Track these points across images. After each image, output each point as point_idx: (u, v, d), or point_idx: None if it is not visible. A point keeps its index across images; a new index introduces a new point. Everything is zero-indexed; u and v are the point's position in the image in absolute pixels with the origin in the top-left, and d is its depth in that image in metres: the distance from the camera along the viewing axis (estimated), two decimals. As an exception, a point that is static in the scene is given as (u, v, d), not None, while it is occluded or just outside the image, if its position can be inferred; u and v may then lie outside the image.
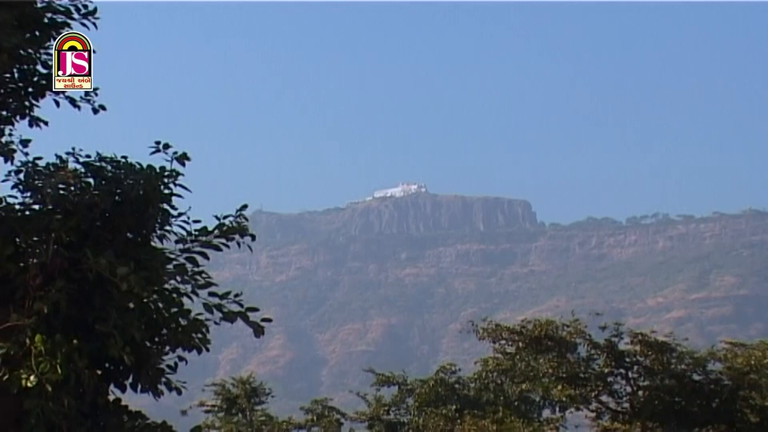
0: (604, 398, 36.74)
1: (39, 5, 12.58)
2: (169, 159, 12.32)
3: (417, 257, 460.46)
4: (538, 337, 35.65)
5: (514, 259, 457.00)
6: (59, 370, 11.01)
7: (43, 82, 12.79)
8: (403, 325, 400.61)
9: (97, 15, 12.68)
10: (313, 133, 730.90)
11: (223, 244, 12.39)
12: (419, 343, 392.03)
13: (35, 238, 11.74)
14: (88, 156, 12.32)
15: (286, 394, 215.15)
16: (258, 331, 12.19)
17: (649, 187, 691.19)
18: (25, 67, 12.73)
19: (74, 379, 11.15)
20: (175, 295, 12.16)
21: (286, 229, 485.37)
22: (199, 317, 12.13)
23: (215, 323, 12.16)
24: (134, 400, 12.14)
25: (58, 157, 12.34)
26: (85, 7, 12.71)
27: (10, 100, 12.74)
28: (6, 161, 12.46)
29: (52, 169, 12.20)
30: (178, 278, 12.14)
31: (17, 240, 11.77)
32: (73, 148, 12.36)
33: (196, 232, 12.36)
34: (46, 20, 12.63)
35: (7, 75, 12.61)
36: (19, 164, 12.34)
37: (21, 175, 12.24)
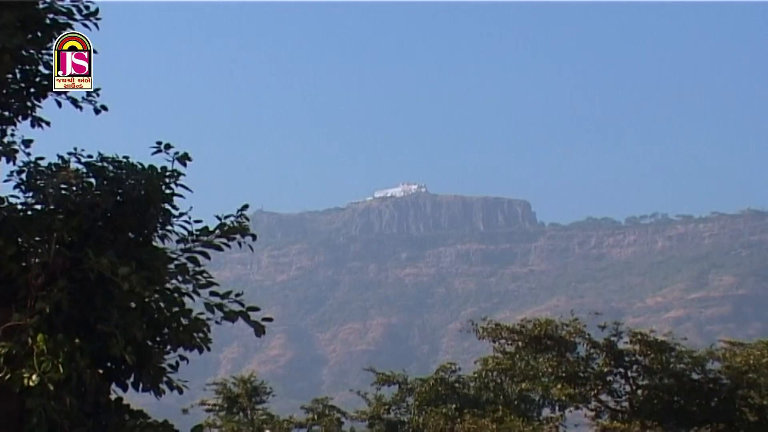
0: (603, 397, 36.80)
1: (41, 6, 12.57)
2: (171, 159, 12.35)
3: (417, 257, 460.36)
4: (537, 336, 35.71)
5: (514, 259, 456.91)
6: (61, 370, 11.04)
7: (45, 82, 12.78)
8: (404, 325, 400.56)
9: (98, 16, 12.68)
10: (313, 133, 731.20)
11: (224, 243, 12.41)
12: (419, 342, 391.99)
13: (37, 238, 11.75)
14: (89, 156, 12.36)
15: (287, 393, 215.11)
16: (259, 330, 12.23)
17: (648, 188, 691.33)
18: (27, 67, 12.72)
19: (76, 379, 11.18)
20: (176, 295, 12.18)
21: (286, 229, 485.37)
22: (201, 317, 12.15)
23: (216, 323, 12.17)
24: (136, 399, 12.18)
25: (60, 157, 12.37)
26: (87, 8, 12.69)
27: (12, 101, 12.74)
28: (8, 161, 12.48)
29: (54, 169, 12.22)
30: (180, 278, 12.16)
31: (19, 240, 11.78)
32: (75, 149, 12.41)
33: (198, 232, 12.38)
34: (48, 21, 12.61)
35: (10, 75, 12.59)
36: (21, 164, 12.37)
37: (23, 176, 12.27)
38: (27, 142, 12.66)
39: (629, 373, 36.14)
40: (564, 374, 35.93)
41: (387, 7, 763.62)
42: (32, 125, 12.88)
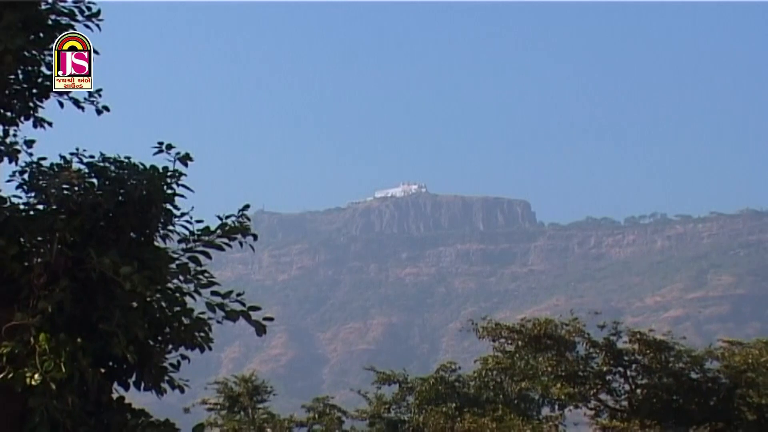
0: (602, 396, 36.85)
1: (43, 7, 12.59)
2: (172, 159, 12.38)
3: (417, 257, 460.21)
4: (537, 335, 35.76)
5: (514, 259, 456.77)
6: (63, 369, 11.08)
7: (47, 83, 12.80)
8: (404, 324, 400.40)
9: (100, 17, 12.70)
10: (314, 133, 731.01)
11: (226, 243, 12.43)
12: (419, 341, 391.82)
13: (39, 238, 11.78)
14: (91, 156, 12.37)
15: (288, 392, 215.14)
16: (260, 329, 12.26)
17: (647, 188, 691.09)
18: (29, 68, 12.74)
19: (78, 378, 11.21)
20: (177, 294, 12.20)
21: (287, 228, 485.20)
22: (202, 316, 12.17)
23: (218, 322, 12.20)
24: (137, 398, 12.22)
25: (62, 157, 12.38)
26: (89, 8, 12.72)
27: (15, 101, 12.76)
28: (10, 162, 12.51)
29: (56, 169, 12.24)
30: (181, 277, 12.18)
31: (22, 240, 11.81)
32: (77, 149, 12.43)
33: (199, 232, 12.41)
34: (50, 22, 12.62)
35: (12, 76, 12.62)
36: (23, 165, 12.39)
37: (25, 176, 12.29)
38: (29, 143, 12.69)
39: (628, 373, 36.19)
40: (563, 373, 35.98)
41: (387, 7, 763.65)
42: (34, 126, 12.91)
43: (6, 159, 12.58)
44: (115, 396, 12.09)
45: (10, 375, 11.17)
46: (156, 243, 12.38)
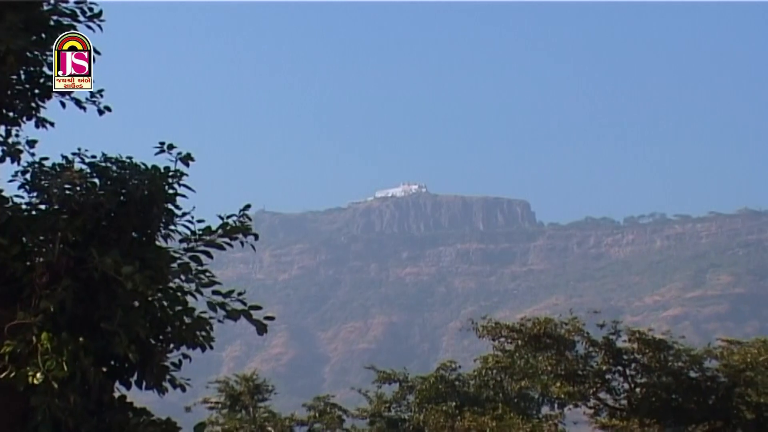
0: (602, 395, 36.89)
1: (45, 8, 12.63)
2: (174, 159, 12.43)
3: (417, 256, 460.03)
4: (537, 335, 35.80)
5: (514, 259, 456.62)
6: (65, 368, 11.12)
7: (49, 83, 12.85)
8: (404, 324, 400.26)
9: (102, 17, 12.74)
10: (315, 133, 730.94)
11: (227, 243, 12.47)
12: (420, 341, 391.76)
13: (41, 238, 11.82)
14: (93, 156, 12.42)
15: (289, 391, 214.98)
16: (261, 329, 12.31)
17: (646, 188, 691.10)
18: (32, 69, 12.78)
19: (80, 377, 11.26)
20: (179, 294, 12.24)
21: (288, 228, 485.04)
22: (203, 315, 12.21)
23: (219, 321, 12.24)
24: (139, 397, 12.25)
25: (64, 157, 12.42)
26: (91, 9, 12.76)
27: (17, 102, 12.80)
28: (13, 162, 12.57)
29: (58, 169, 12.28)
30: (183, 277, 12.22)
31: (24, 239, 11.85)
32: (79, 149, 12.47)
33: (200, 232, 12.45)
34: (52, 23, 12.67)
35: (14, 77, 12.66)
36: (25, 165, 12.45)
37: (27, 176, 12.34)
38: (31, 143, 12.74)
39: (628, 371, 36.23)
40: (563, 372, 36.02)
41: (387, 7, 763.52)
42: (37, 126, 12.96)
43: (8, 159, 12.63)
44: (116, 395, 12.13)
45: (13, 374, 11.21)
46: (157, 243, 12.41)
